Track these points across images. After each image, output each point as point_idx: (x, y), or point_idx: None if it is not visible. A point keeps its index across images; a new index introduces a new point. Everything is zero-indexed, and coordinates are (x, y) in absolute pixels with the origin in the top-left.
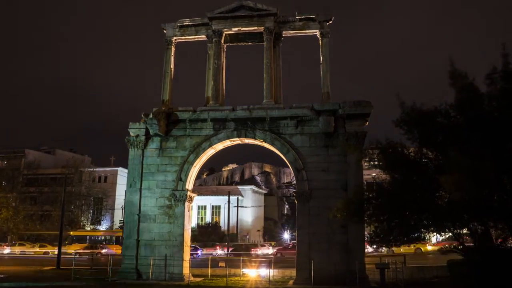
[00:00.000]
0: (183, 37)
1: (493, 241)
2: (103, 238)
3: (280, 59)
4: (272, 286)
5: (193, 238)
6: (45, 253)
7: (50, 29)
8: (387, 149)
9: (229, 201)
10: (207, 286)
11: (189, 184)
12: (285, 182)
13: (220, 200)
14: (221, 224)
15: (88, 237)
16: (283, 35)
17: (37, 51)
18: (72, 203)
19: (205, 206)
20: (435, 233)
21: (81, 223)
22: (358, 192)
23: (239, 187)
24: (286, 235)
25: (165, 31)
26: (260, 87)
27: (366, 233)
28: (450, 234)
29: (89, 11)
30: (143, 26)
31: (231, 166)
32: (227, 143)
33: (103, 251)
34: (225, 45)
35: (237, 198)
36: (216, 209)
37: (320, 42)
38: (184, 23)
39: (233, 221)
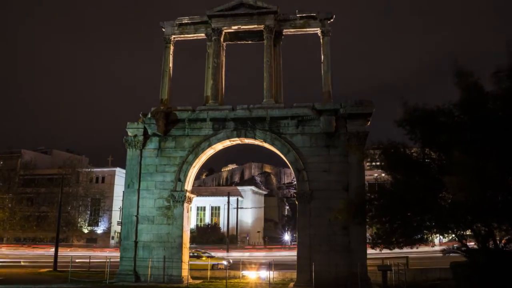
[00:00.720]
0: (182, 36)
1: (497, 242)
2: None
3: (281, 58)
4: None
5: (192, 240)
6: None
7: (48, 27)
8: (389, 149)
9: (228, 202)
10: None
11: (188, 185)
12: (285, 182)
13: (219, 201)
14: (221, 225)
15: None
16: (284, 33)
17: (37, 47)
18: (69, 204)
19: (204, 207)
20: (438, 235)
21: (78, 225)
22: (359, 193)
23: (239, 187)
24: (287, 237)
25: (163, 30)
26: (260, 86)
27: (368, 234)
28: (453, 235)
29: (88, 10)
30: (142, 24)
31: (231, 167)
32: (227, 143)
33: None
34: (224, 44)
35: (237, 199)
36: (215, 210)
37: (321, 40)
38: (183, 21)
39: (232, 222)
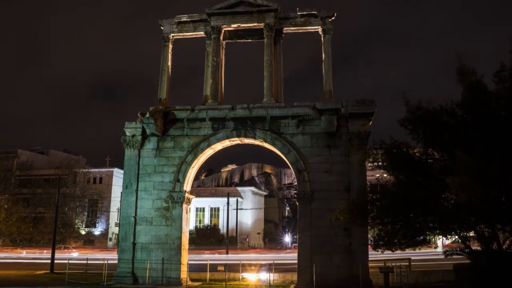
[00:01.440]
0: (181, 34)
1: (501, 244)
2: None
3: (281, 57)
4: None
5: (191, 241)
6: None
7: (46, 25)
8: (391, 149)
9: (228, 203)
10: None
11: (187, 186)
12: (286, 183)
13: (219, 202)
14: (220, 226)
15: None
16: (284, 31)
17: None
18: (66, 205)
19: (204, 208)
20: (440, 236)
21: (76, 226)
22: (361, 194)
23: (239, 188)
24: (287, 238)
25: (162, 28)
26: (260, 85)
27: (369, 236)
28: (456, 237)
29: (85, 8)
30: (139, 22)
31: (230, 167)
32: (226, 143)
33: None
34: (224, 42)
35: (237, 200)
36: (215, 211)
37: (322, 39)
38: (182, 19)
39: (232, 223)
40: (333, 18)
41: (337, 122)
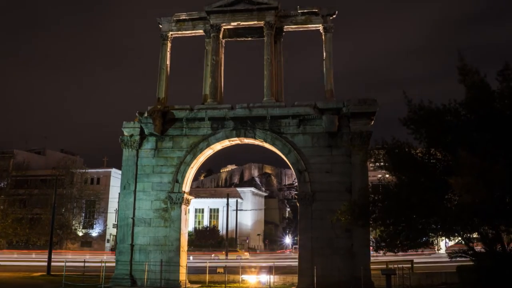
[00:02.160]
0: (179, 32)
1: (505, 246)
2: None
3: (282, 55)
4: None
5: (190, 243)
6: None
7: (45, 25)
8: (393, 149)
9: (227, 204)
10: None
11: (186, 186)
12: (286, 184)
13: (218, 203)
14: (220, 228)
15: None
16: (285, 29)
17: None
18: (63, 206)
19: (203, 209)
20: (443, 238)
21: (73, 227)
22: (363, 195)
23: (238, 189)
24: (288, 240)
25: (160, 26)
26: (260, 84)
27: (371, 237)
28: (460, 238)
29: (82, 6)
30: (138, 20)
31: (230, 167)
32: (226, 143)
33: None
34: (223, 41)
35: (236, 200)
36: (214, 212)
37: (323, 37)
38: (181, 17)
39: (232, 225)
40: (334, 16)
41: (339, 122)
